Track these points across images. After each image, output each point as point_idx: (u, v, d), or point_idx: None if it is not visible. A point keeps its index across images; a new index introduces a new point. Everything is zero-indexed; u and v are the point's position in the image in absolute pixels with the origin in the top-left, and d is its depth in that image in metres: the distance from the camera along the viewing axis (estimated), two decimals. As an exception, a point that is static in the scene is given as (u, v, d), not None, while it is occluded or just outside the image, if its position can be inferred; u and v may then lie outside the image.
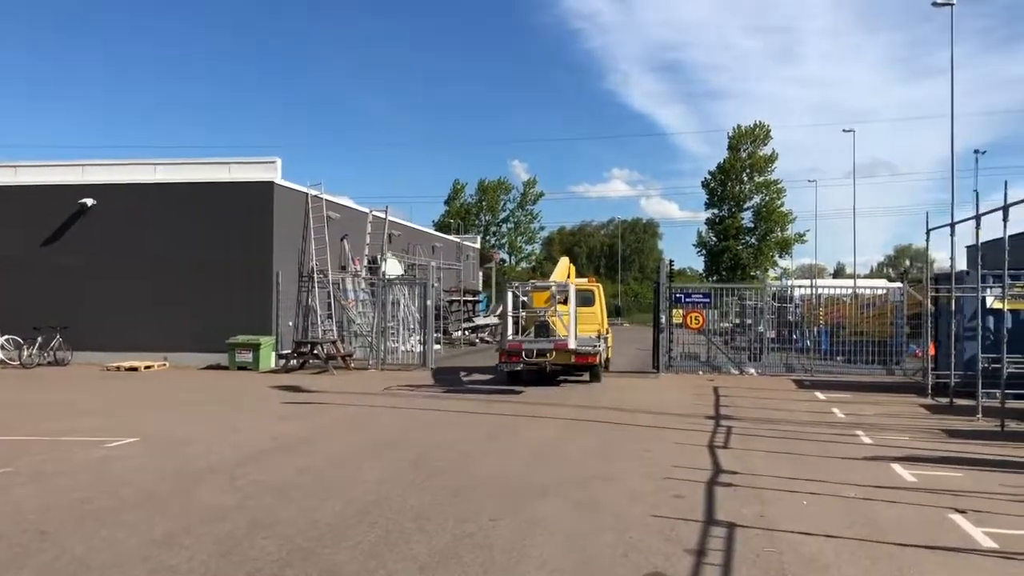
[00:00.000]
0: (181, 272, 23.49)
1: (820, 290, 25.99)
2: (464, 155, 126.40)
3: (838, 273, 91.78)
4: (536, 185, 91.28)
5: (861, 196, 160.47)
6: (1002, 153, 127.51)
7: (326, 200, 25.77)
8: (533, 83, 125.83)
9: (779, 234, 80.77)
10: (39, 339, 22.84)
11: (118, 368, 21.92)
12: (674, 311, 22.02)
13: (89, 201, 23.77)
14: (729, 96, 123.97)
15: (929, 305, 18.59)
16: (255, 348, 22.29)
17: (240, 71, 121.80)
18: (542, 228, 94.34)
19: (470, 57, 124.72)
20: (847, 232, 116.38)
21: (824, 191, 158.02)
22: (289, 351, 22.50)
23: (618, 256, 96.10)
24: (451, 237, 45.04)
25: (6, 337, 23.14)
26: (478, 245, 51.10)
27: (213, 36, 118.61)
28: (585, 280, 23.53)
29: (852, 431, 12.57)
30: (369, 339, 24.02)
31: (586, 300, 21.13)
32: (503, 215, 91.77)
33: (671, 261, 22.39)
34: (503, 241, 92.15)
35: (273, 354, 22.76)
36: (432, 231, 41.68)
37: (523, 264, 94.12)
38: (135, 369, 21.92)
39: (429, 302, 22.66)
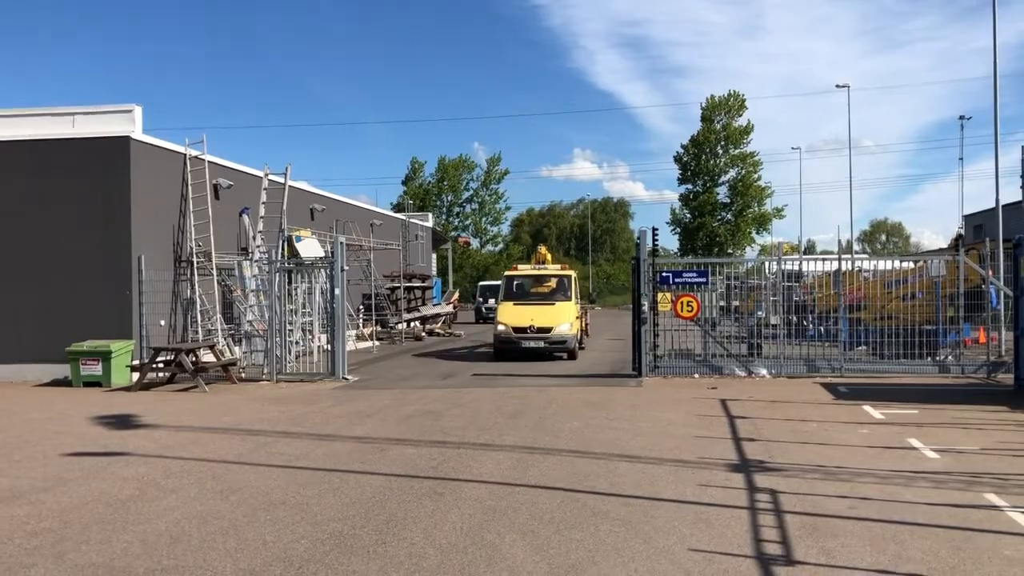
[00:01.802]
0: (12, 259, 17.80)
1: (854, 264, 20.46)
2: (424, 137, 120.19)
3: (809, 250, 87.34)
4: (500, 163, 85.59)
5: (829, 171, 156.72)
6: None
7: (211, 163, 20.11)
8: (495, 63, 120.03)
9: (756, 209, 76.08)
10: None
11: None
12: (660, 295, 16.67)
13: None
14: (695, 72, 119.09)
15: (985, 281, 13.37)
16: (104, 357, 16.66)
17: (184, 48, 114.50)
18: (508, 208, 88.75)
19: (429, 36, 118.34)
20: (814, 208, 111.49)
21: (791, 167, 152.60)
22: (145, 360, 16.84)
23: (588, 237, 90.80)
24: (395, 215, 39.36)
25: None
26: (430, 224, 45.46)
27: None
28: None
29: (977, 492, 7.36)
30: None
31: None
32: (466, 195, 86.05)
33: (655, 231, 17.02)
34: (467, 223, 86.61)
35: (130, 365, 17.14)
36: (371, 207, 35.95)
37: (489, 247, 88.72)
38: (-59, 390, 16.23)
39: (338, 290, 17.12)
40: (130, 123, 17.96)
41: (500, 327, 21.42)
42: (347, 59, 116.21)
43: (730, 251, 71.53)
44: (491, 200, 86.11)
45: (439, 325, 33.22)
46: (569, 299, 22.23)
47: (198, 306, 19.19)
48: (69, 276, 17.64)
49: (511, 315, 21.55)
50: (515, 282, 23.74)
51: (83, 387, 16.51)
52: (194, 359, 16.71)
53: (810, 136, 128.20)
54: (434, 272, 45.43)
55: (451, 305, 37.59)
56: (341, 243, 17.62)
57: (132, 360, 17.17)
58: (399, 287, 30.88)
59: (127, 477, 8.49)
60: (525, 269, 25.14)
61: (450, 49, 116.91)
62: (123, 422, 12.22)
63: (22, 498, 7.70)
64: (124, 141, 17.71)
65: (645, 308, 16.43)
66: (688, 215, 77.13)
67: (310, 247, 22.98)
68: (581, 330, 23.72)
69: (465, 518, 6.86)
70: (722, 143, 75.44)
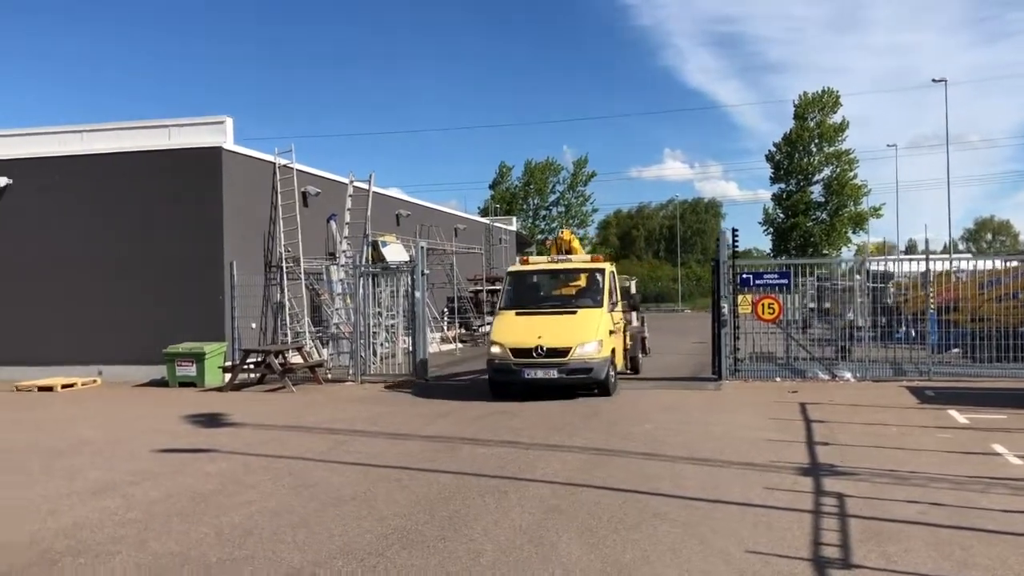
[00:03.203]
0: (118, 265, 18.77)
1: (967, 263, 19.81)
2: (513, 141, 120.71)
3: (910, 250, 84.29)
4: (587, 165, 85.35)
5: (930, 168, 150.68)
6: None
7: (299, 171, 20.80)
8: (583, 64, 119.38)
9: (852, 208, 73.75)
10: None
11: (32, 388, 17.30)
12: (741, 297, 16.45)
13: (2, 180, 19.15)
14: (789, 69, 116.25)
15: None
16: (198, 358, 17.42)
17: (258, 53, 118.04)
18: (595, 210, 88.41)
19: (519, 39, 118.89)
20: (916, 207, 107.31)
21: (891, 165, 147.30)
22: (236, 362, 17.53)
23: (677, 238, 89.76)
24: (480, 218, 39.80)
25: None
26: (514, 227, 45.73)
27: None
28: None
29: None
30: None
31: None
32: (552, 198, 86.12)
33: (735, 231, 16.80)
34: (553, 225, 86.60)
35: (222, 366, 17.87)
36: (455, 212, 36.44)
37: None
38: (50, 389, 17.25)
39: (419, 293, 17.50)
40: (222, 134, 18.73)
41: (494, 348, 14.57)
42: (435, 64, 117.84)
43: (825, 252, 69.61)
44: (577, 203, 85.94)
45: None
46: (599, 304, 15.02)
47: (287, 309, 19.88)
48: (166, 281, 18.49)
49: (511, 330, 14.62)
50: (524, 281, 16.37)
51: (178, 387, 17.29)
52: (282, 361, 17.32)
53: (911, 132, 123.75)
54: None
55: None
56: (422, 248, 18.01)
57: (224, 361, 17.90)
58: (482, 290, 31.23)
59: (210, 472, 8.92)
60: (540, 262, 16.91)
61: (539, 52, 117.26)
62: (212, 420, 12.79)
63: (114, 490, 8.19)
64: (216, 151, 18.48)
65: (725, 310, 16.25)
66: (781, 215, 75.34)
67: (395, 252, 23.52)
68: (628, 348, 17.14)
69: (526, 516, 6.99)
70: (816, 141, 73.45)
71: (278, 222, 20.16)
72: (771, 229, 76.04)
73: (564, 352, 13.95)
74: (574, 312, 14.92)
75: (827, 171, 73.65)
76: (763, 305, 16.15)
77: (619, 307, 16.00)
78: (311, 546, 6.25)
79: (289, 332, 19.83)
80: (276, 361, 16.95)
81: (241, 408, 14.13)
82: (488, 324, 24.77)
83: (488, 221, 39.03)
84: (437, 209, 32.99)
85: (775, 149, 75.33)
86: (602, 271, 15.74)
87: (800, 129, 73.46)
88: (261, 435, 11.37)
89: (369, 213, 21.32)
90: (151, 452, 10.24)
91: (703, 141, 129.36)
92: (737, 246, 16.80)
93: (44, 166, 19.15)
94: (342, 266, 20.35)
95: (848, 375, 16.14)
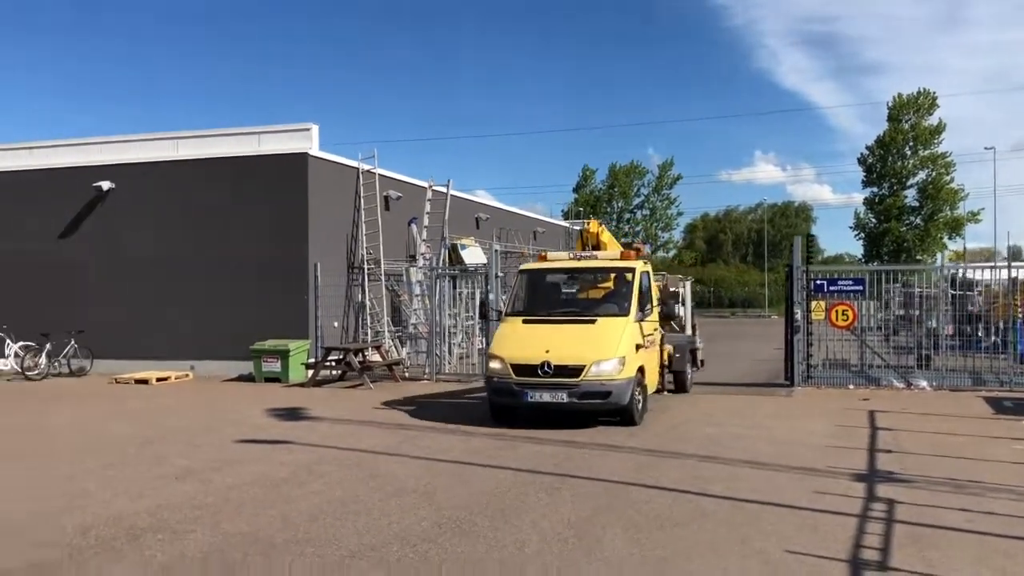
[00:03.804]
0: (209, 266, 19.73)
1: None
2: (597, 143, 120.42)
3: (1015, 256, 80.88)
4: (672, 167, 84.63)
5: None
6: None
7: (381, 176, 21.49)
8: (672, 66, 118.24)
9: (948, 213, 71.24)
10: (48, 346, 19.60)
11: (129, 381, 18.38)
12: (814, 304, 16.33)
13: (106, 184, 20.37)
14: (886, 70, 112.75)
15: None
16: (283, 355, 18.21)
17: (343, 56, 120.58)
18: (680, 214, 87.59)
19: (605, 40, 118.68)
20: (1016, 212, 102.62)
21: (989, 168, 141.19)
22: (318, 359, 18.25)
23: (765, 243, 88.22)
24: (559, 222, 40.09)
25: (21, 344, 20.03)
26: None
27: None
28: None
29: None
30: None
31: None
32: (637, 201, 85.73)
33: (809, 237, 16.69)
34: (637, 229, 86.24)
35: (305, 363, 18.62)
36: (534, 215, 36.81)
37: (660, 254, 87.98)
38: (145, 382, 18.29)
39: (492, 295, 17.91)
40: (308, 141, 19.53)
41: (493, 363, 12.14)
42: (520, 67, 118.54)
43: (919, 257, 67.51)
44: (662, 206, 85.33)
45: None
46: (625, 312, 12.33)
47: (368, 309, 20.57)
48: (254, 281, 19.35)
49: (514, 341, 12.20)
50: (538, 282, 13.71)
51: (264, 382, 18.11)
52: (361, 359, 17.96)
53: (1013, 134, 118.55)
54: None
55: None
56: (496, 250, 18.44)
57: (307, 358, 18.65)
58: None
59: (285, 462, 9.48)
60: (559, 260, 14.20)
61: (627, 51, 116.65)
62: (292, 414, 13.44)
63: (194, 476, 8.81)
64: (303, 158, 19.28)
65: (798, 317, 16.17)
66: (873, 220, 73.38)
67: (473, 254, 24.00)
68: (669, 364, 14.82)
69: (575, 512, 7.27)
70: (910, 144, 71.34)
71: (360, 225, 20.88)
72: (862, 234, 74.13)
73: (576, 371, 11.37)
74: (592, 321, 12.23)
75: (922, 175, 71.40)
76: (837, 312, 16.00)
77: (654, 315, 13.32)
78: (369, 532, 6.68)
79: (369, 331, 20.52)
80: (356, 359, 17.60)
81: (320, 403, 14.78)
82: None
83: (568, 224, 39.29)
84: (516, 212, 33.45)
85: (867, 152, 73.39)
86: (631, 271, 12.86)
87: (894, 131, 71.35)
88: (337, 429, 11.92)
89: (447, 217, 21.87)
90: (233, 442, 10.89)
91: (795, 143, 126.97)
92: (812, 252, 16.68)
93: (143, 172, 20.29)
94: (420, 268, 20.93)
95: (924, 383, 15.85)
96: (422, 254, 21.68)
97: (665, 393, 14.63)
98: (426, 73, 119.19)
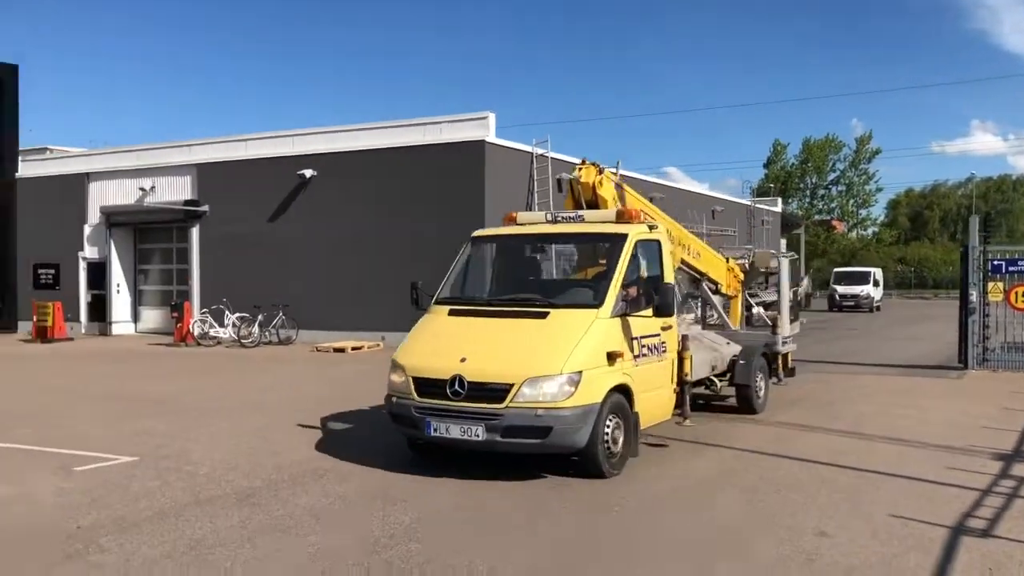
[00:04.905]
0: (396, 244, 21.41)
1: None
2: (792, 116, 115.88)
3: None
4: (871, 141, 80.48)
5: None
6: None
7: (553, 159, 22.43)
8: (875, 33, 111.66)
9: None
10: (259, 318, 22.06)
11: (328, 349, 20.43)
12: (991, 285, 15.74)
13: (308, 172, 22.54)
14: None
15: None
16: (460, 330, 19.58)
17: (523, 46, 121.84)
18: (879, 190, 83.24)
19: (797, 9, 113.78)
20: None
21: None
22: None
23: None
24: (739, 200, 39.52)
25: (237, 315, 22.66)
26: (779, 208, 44.77)
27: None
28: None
29: None
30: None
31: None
32: (832, 176, 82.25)
33: (988, 215, 16.04)
34: (832, 205, 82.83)
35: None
36: (713, 193, 36.62)
37: (858, 231, 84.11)
38: (342, 350, 20.26)
39: (659, 275, 18.42)
40: (485, 128, 20.78)
41: (394, 375, 8.34)
42: (702, 41, 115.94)
43: None
44: (860, 181, 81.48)
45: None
46: (597, 303, 8.09)
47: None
48: (435, 260, 20.71)
49: (424, 344, 8.55)
50: (491, 255, 9.95)
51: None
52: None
53: None
54: (784, 257, 44.81)
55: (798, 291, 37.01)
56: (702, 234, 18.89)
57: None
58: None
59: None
60: (531, 222, 9.91)
61: (829, 19, 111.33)
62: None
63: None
64: (480, 145, 20.55)
65: (973, 298, 15.67)
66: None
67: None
68: (686, 379, 9.36)
69: (700, 472, 7.93)
70: None
71: (533, 207, 21.90)
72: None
73: (500, 392, 7.46)
74: (543, 315, 8.07)
75: None
76: (1017, 293, 15.36)
77: (661, 307, 8.43)
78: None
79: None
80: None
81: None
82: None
83: (749, 202, 38.77)
84: (693, 191, 33.54)
85: (1096, 118, 66.74)
86: (621, 240, 8.53)
87: None
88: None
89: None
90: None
91: (1018, 112, 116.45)
92: (992, 231, 16.05)
93: (340, 160, 22.27)
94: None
95: (1114, 369, 14.95)
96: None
97: (687, 423, 9.75)
98: (607, 51, 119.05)
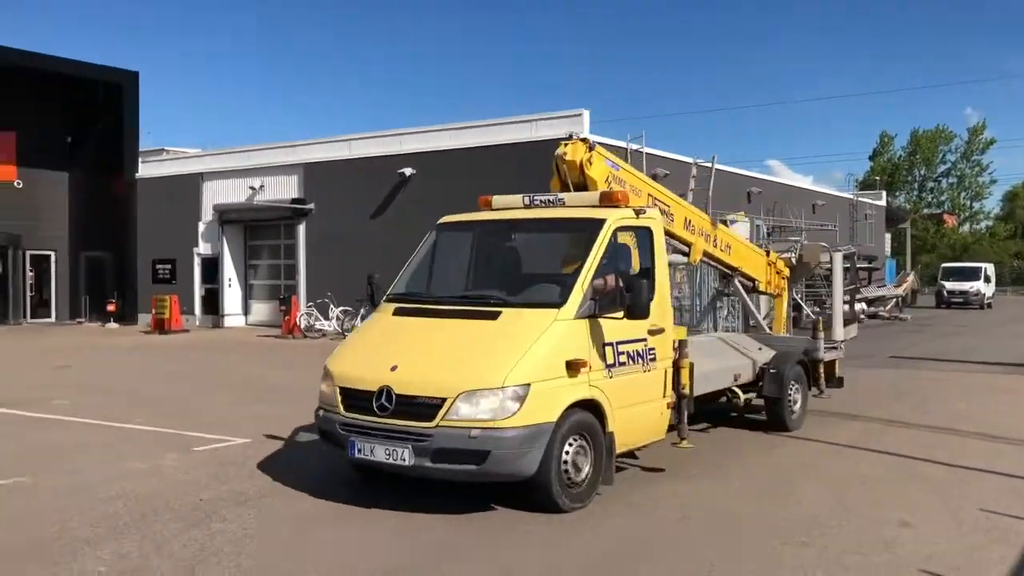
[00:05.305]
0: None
1: None
2: (900, 107, 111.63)
3: None
4: (985, 131, 77.02)
5: None
6: None
7: (649, 154, 22.54)
8: (989, 15, 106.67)
9: None
10: (362, 311, 22.92)
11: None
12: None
13: (407, 171, 23.28)
14: None
15: None
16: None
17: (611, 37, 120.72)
18: (994, 182, 79.67)
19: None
20: None
21: None
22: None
23: (1102, 212, 77.90)
24: (841, 194, 38.63)
25: (341, 308, 23.62)
26: (883, 202, 43.49)
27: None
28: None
29: None
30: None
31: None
32: (942, 169, 79.14)
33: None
34: (942, 198, 79.75)
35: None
36: (814, 187, 35.93)
37: (967, 226, 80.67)
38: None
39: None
40: (579, 125, 21.04)
41: (323, 386, 7.13)
42: (812, 30, 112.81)
43: None
44: (972, 173, 78.13)
45: (886, 308, 32.25)
46: (559, 301, 6.66)
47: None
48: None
49: (357, 349, 7.51)
50: (454, 244, 8.62)
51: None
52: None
53: None
54: (887, 252, 43.60)
55: (903, 287, 36.05)
56: (758, 225, 18.88)
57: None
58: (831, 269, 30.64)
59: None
60: (507, 206, 8.22)
61: (931, 3, 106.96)
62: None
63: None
64: (574, 141, 20.79)
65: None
66: None
67: (742, 230, 24.36)
68: (684, 393, 7.71)
69: (782, 464, 8.13)
70: None
71: (629, 203, 22.06)
72: None
73: (431, 408, 6.30)
74: (494, 315, 6.80)
75: None
76: None
77: (632, 307, 6.92)
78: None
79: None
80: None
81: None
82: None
83: (851, 196, 37.88)
84: (793, 185, 33.02)
85: None
86: (597, 226, 7.15)
87: None
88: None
89: (711, 193, 22.45)
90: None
91: None
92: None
93: (437, 158, 22.93)
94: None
95: None
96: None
97: (684, 444, 7.94)
98: (704, 47, 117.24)
